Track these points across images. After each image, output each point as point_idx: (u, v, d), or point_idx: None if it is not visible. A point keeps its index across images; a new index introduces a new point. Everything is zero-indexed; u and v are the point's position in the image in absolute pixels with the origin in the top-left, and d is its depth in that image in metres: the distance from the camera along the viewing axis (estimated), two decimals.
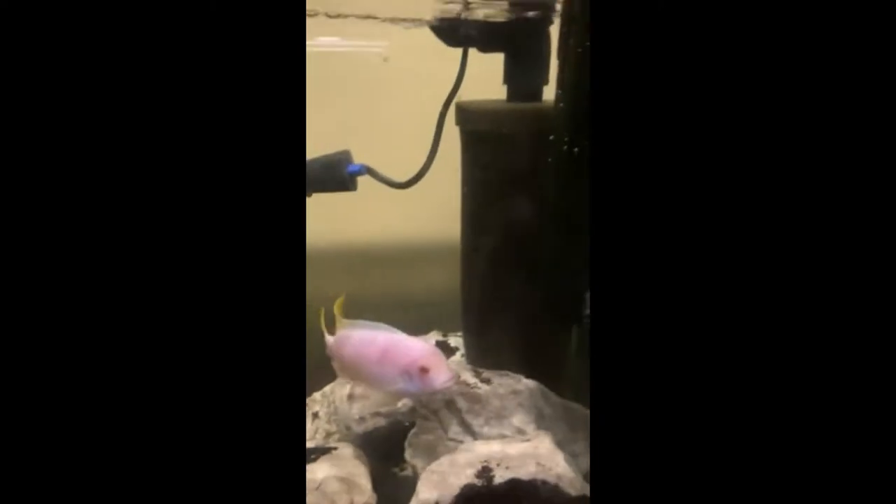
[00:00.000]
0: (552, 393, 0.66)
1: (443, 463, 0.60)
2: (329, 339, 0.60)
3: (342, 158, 0.73)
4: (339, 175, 0.72)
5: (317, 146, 0.70)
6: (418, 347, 0.54)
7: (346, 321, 0.59)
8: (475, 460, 0.59)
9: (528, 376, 0.66)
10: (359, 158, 0.73)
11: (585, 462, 0.66)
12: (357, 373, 0.59)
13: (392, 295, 0.96)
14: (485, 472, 0.57)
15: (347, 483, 0.59)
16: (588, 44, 0.47)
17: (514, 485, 0.56)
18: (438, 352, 0.56)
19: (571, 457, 0.65)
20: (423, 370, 0.52)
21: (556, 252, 0.57)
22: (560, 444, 0.63)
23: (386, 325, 0.58)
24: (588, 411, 0.68)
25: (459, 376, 0.66)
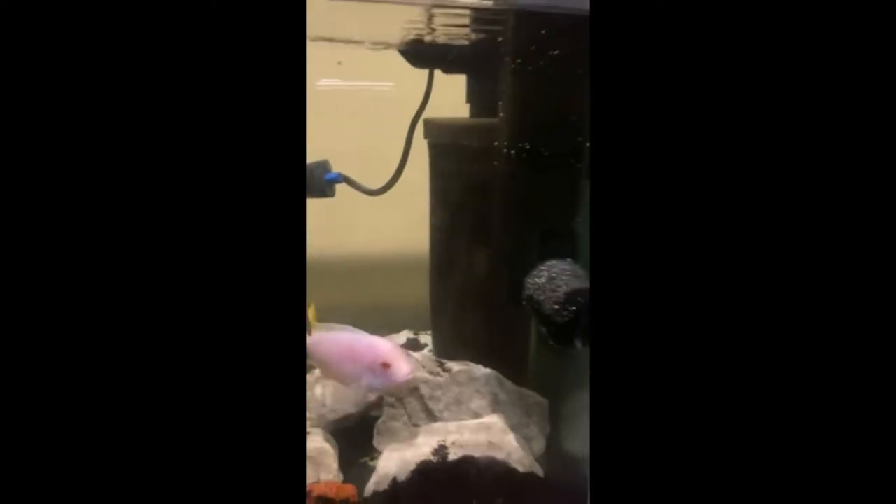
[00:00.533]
0: (507, 380, 0.71)
1: (403, 443, 0.65)
2: (307, 339, 0.65)
3: (321, 167, 0.80)
4: (318, 182, 0.78)
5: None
6: (380, 345, 0.59)
7: (319, 324, 0.65)
8: (432, 440, 0.64)
9: (488, 365, 0.72)
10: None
11: (538, 445, 0.71)
12: (329, 370, 0.64)
13: (372, 298, 1.01)
14: (440, 450, 0.62)
15: (315, 462, 0.64)
16: (519, 60, 0.54)
17: (465, 461, 0.61)
18: (399, 348, 0.60)
19: (525, 440, 0.70)
20: (385, 365, 0.57)
21: (506, 246, 0.63)
22: (514, 427, 0.68)
23: (353, 328, 0.63)
24: (542, 399, 0.73)
25: (423, 366, 0.71)
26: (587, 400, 0.57)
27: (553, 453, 0.70)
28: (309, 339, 0.64)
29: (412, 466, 0.61)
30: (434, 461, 0.61)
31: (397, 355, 0.58)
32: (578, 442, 0.66)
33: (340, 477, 0.65)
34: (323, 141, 0.74)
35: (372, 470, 0.65)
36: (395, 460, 0.62)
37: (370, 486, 0.61)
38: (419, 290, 0.85)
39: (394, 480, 0.60)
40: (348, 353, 0.60)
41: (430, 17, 0.64)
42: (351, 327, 0.63)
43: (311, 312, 0.65)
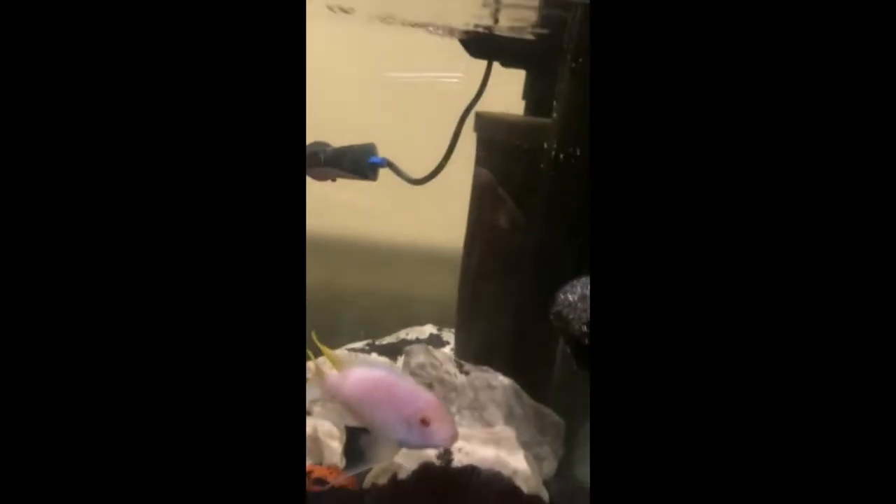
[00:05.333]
0: (525, 394, 0.68)
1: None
2: (332, 375, 0.54)
3: (366, 150, 0.79)
4: (361, 164, 0.78)
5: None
6: (423, 397, 0.51)
7: (340, 354, 0.55)
8: None
9: (510, 375, 0.69)
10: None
11: (549, 467, 0.68)
12: (360, 413, 0.54)
13: (396, 290, 1.01)
14: (445, 455, 0.61)
15: (318, 443, 0.64)
16: (581, 59, 0.50)
17: (469, 470, 0.59)
18: (443, 405, 0.53)
19: (536, 459, 0.67)
20: (425, 422, 0.49)
21: (542, 255, 0.60)
22: (526, 444, 0.66)
23: (391, 366, 0.57)
24: (559, 419, 0.70)
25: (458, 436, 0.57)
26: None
27: (563, 477, 0.67)
28: (337, 376, 0.54)
29: (414, 466, 0.59)
30: (437, 465, 0.60)
31: (441, 413, 0.50)
32: (588, 469, 0.63)
33: (343, 463, 0.64)
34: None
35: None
36: (399, 457, 0.61)
37: (370, 478, 0.60)
38: (446, 285, 0.83)
39: (394, 477, 0.59)
40: (386, 397, 0.51)
41: (497, 9, 0.62)
42: (389, 365, 0.57)
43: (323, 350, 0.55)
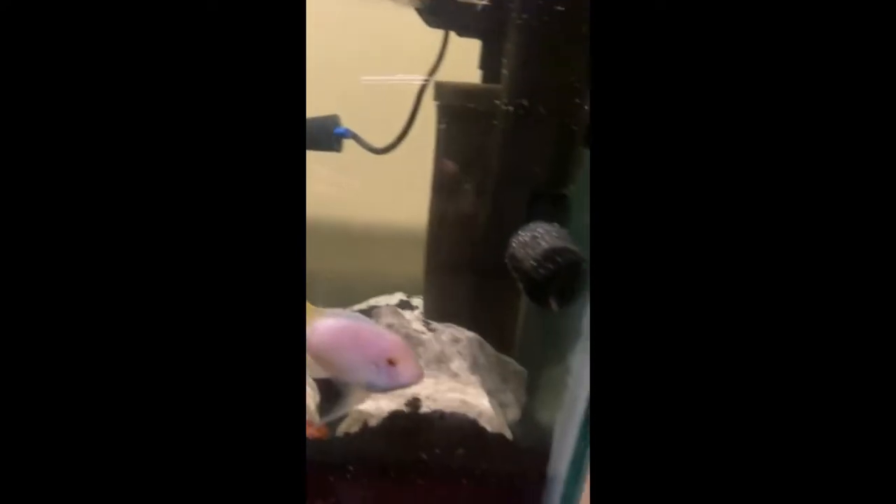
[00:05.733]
0: (489, 345, 0.72)
1: (379, 394, 0.67)
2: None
3: (330, 121, 0.81)
4: (325, 135, 0.80)
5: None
6: (388, 338, 0.52)
7: (315, 309, 0.55)
8: (408, 392, 0.65)
9: (474, 330, 0.72)
10: None
11: (513, 413, 0.72)
12: (328, 361, 0.54)
13: (367, 265, 1.03)
14: (413, 402, 0.64)
15: None
16: (525, 16, 0.53)
17: (436, 414, 0.62)
18: (408, 347, 0.54)
19: (500, 405, 0.71)
20: (391, 362, 0.50)
21: (496, 208, 0.63)
22: (490, 392, 0.69)
23: (359, 315, 0.56)
24: (520, 367, 0.74)
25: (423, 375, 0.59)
26: (564, 372, 0.57)
27: (526, 422, 0.71)
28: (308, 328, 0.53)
29: (384, 414, 0.63)
30: (406, 411, 0.63)
31: (406, 353, 0.51)
32: (549, 412, 0.67)
33: (317, 418, 0.67)
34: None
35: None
36: (370, 408, 0.64)
37: (342, 428, 0.63)
38: (416, 256, 0.86)
39: (364, 424, 0.62)
40: (351, 342, 0.52)
41: None
42: (358, 314, 0.56)
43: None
